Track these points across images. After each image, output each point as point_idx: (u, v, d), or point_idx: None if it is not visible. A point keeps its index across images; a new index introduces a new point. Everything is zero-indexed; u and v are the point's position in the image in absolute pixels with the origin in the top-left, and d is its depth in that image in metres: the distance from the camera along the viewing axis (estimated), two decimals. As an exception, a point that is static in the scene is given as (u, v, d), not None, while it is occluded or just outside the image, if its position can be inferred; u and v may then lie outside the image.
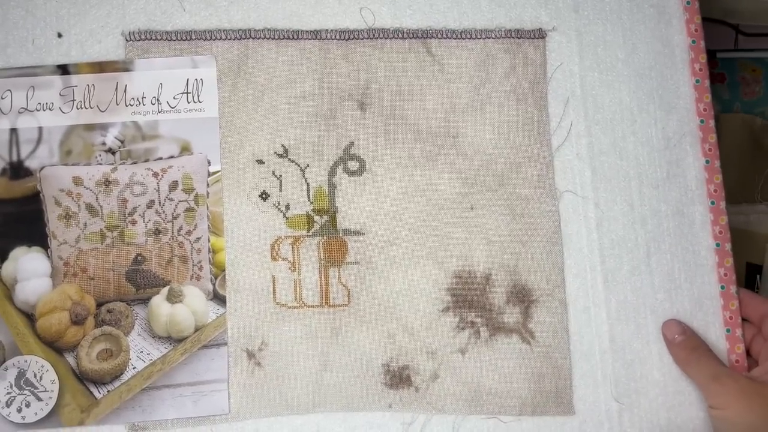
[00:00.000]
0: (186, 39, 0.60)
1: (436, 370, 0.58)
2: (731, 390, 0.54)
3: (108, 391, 0.56)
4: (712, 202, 0.60)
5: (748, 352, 0.59)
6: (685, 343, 0.58)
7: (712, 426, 0.57)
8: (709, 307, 0.59)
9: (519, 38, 0.61)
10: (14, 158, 0.58)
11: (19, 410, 0.55)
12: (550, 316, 0.59)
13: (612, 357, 0.59)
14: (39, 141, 0.58)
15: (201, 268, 0.60)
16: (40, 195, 0.58)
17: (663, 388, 0.58)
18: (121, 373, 0.57)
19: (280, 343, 0.58)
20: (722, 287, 0.59)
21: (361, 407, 0.57)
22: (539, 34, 0.61)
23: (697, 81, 0.61)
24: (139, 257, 0.59)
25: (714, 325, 0.59)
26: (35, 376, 0.56)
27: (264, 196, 0.60)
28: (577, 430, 0.58)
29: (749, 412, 0.53)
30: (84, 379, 0.57)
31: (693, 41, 0.62)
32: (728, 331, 0.59)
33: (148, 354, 0.58)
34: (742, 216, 0.76)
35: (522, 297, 0.59)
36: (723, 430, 0.55)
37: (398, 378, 0.58)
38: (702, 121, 0.61)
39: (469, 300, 0.59)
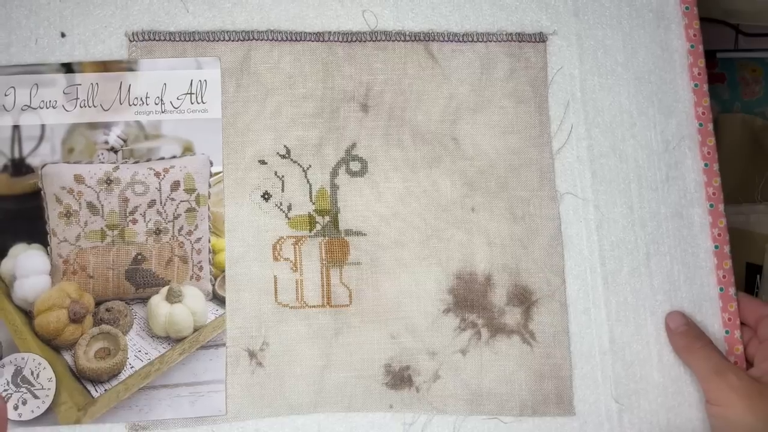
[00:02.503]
0: (189, 40, 0.60)
1: (437, 370, 0.58)
2: (734, 386, 0.54)
3: (105, 390, 0.56)
4: (711, 205, 0.61)
5: (744, 355, 0.59)
6: (688, 332, 0.58)
7: (710, 424, 0.57)
8: (708, 308, 0.60)
9: (520, 42, 0.62)
10: (16, 155, 0.58)
11: (16, 408, 0.55)
12: (550, 317, 0.59)
13: (612, 358, 0.59)
14: (41, 138, 0.58)
15: (201, 269, 0.60)
16: (41, 192, 0.58)
17: (663, 389, 0.58)
18: (119, 372, 0.56)
19: (281, 343, 0.58)
20: (721, 289, 0.60)
21: (362, 407, 0.57)
22: (540, 38, 0.62)
23: (696, 85, 0.62)
24: (139, 256, 0.59)
25: (713, 327, 0.59)
26: (32, 373, 0.56)
27: (266, 196, 0.60)
28: (577, 430, 0.58)
29: (750, 413, 0.53)
30: (81, 377, 0.56)
31: (692, 46, 0.63)
32: (727, 332, 0.59)
33: (146, 353, 0.58)
34: (742, 216, 0.76)
35: (523, 298, 0.59)
36: (721, 429, 0.55)
37: (399, 378, 0.58)
38: (700, 125, 0.62)
39: (470, 301, 0.59)
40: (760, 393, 0.53)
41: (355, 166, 0.60)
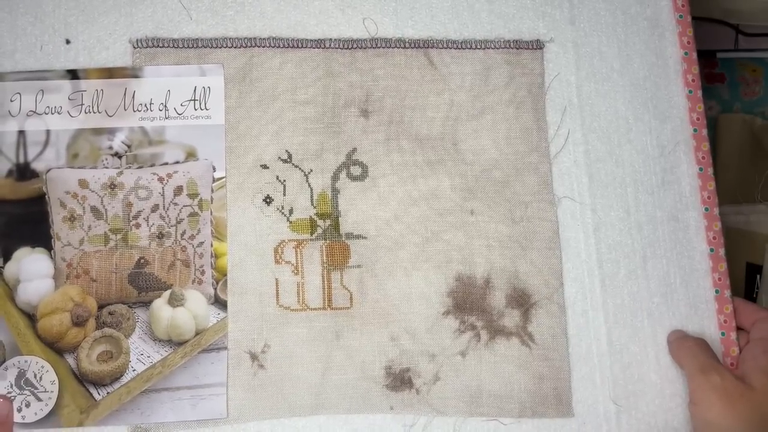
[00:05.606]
0: (193, 47, 0.61)
1: (437, 372, 0.59)
2: (716, 386, 0.53)
3: (107, 392, 0.56)
4: (706, 209, 0.62)
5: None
6: (683, 333, 0.59)
7: (692, 425, 0.57)
8: (704, 310, 0.60)
9: (517, 49, 0.63)
10: (21, 160, 0.59)
11: (19, 410, 0.55)
12: (549, 319, 0.60)
13: (610, 360, 0.59)
14: (46, 143, 0.59)
15: (203, 273, 0.60)
16: (46, 197, 0.59)
17: (660, 391, 0.59)
18: (121, 375, 0.57)
19: (282, 346, 0.58)
20: (717, 291, 0.60)
21: (362, 409, 0.58)
22: (537, 45, 0.63)
23: (690, 91, 0.63)
24: (142, 260, 0.60)
25: (709, 329, 0.60)
26: (35, 376, 0.56)
27: (268, 200, 0.60)
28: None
29: (728, 415, 0.52)
30: (84, 380, 0.57)
31: (685, 53, 0.64)
32: (723, 334, 0.60)
33: (148, 357, 0.58)
34: (742, 216, 0.77)
35: (521, 301, 0.60)
36: (700, 430, 0.55)
37: (399, 380, 0.58)
38: (695, 130, 0.63)
39: (469, 303, 0.60)
40: (741, 395, 0.53)
41: (355, 170, 0.61)
